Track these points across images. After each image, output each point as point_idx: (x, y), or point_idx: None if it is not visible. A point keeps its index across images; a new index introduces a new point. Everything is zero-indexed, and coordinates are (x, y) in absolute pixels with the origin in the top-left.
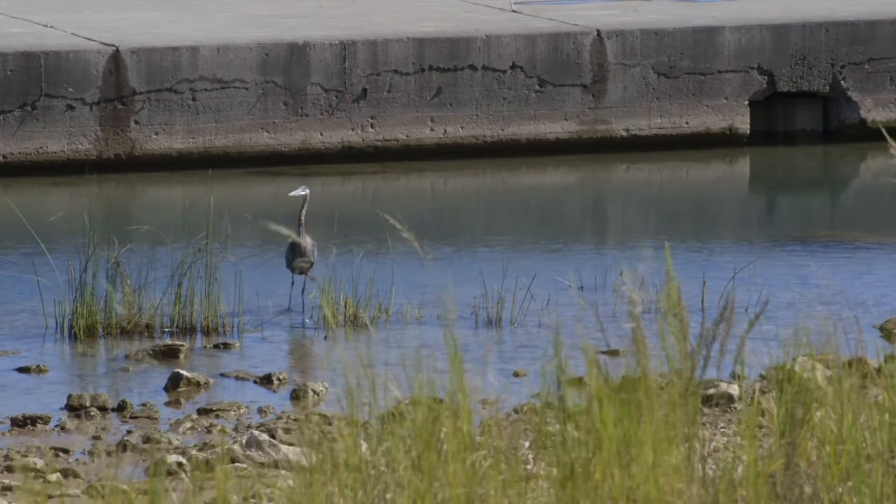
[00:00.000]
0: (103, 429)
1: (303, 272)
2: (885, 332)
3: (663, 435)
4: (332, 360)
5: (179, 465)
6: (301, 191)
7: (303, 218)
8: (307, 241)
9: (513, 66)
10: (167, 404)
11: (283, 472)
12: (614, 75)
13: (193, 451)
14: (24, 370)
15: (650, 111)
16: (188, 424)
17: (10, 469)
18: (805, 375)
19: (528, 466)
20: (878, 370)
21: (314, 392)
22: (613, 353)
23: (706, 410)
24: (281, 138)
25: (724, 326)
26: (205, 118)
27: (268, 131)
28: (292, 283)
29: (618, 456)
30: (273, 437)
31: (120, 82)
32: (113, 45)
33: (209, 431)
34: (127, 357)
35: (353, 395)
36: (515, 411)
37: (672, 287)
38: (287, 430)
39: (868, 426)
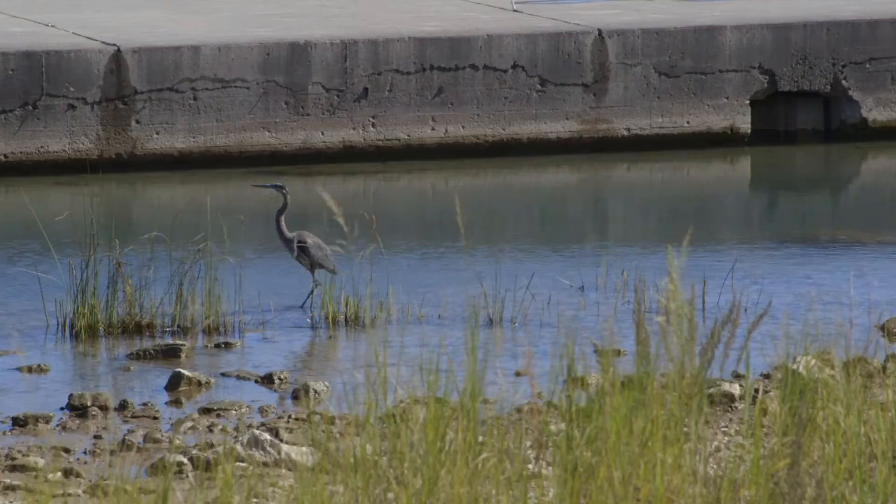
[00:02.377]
0: (104, 428)
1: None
2: (887, 332)
3: (669, 434)
4: (334, 359)
5: (180, 464)
6: (270, 186)
7: (282, 219)
8: (307, 240)
9: (514, 66)
10: (168, 404)
11: (284, 471)
12: (615, 75)
13: (195, 451)
14: (25, 369)
15: (651, 110)
16: (189, 424)
17: (11, 468)
18: (808, 375)
19: (531, 466)
20: (883, 370)
21: (315, 391)
22: (616, 352)
23: (707, 410)
24: (282, 138)
25: (729, 327)
26: (206, 117)
27: (269, 131)
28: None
29: (623, 454)
30: (275, 436)
31: (121, 82)
32: (114, 45)
33: (210, 431)
34: (128, 356)
35: (356, 395)
36: (517, 411)
37: (676, 288)
38: (289, 430)
39: (872, 425)
